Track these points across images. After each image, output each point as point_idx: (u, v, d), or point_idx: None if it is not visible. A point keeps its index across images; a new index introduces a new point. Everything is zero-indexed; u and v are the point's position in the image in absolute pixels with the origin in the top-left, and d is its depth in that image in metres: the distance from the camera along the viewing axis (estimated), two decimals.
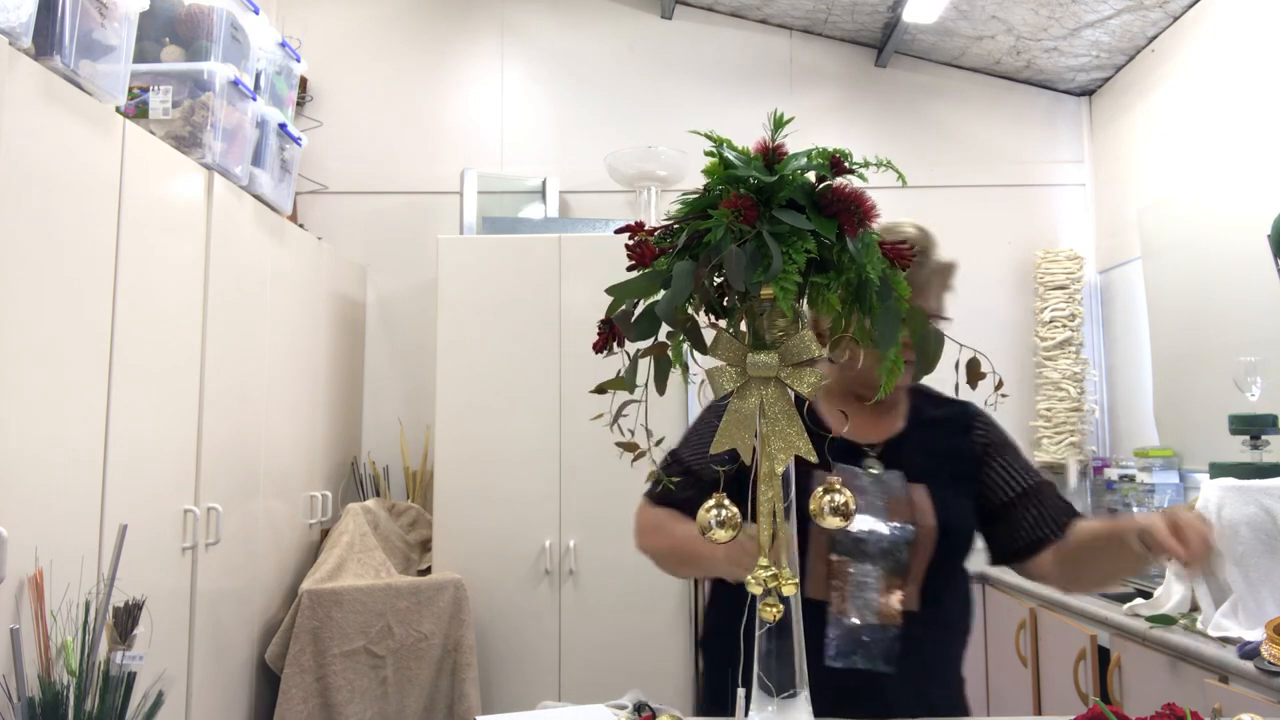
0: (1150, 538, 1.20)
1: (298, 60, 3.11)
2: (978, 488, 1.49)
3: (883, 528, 1.39)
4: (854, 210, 0.94)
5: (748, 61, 4.03)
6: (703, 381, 0.98)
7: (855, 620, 1.37)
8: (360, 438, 3.82)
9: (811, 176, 0.98)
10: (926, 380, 1.51)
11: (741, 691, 1.06)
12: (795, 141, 1.00)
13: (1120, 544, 1.26)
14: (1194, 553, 1.18)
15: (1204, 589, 2.11)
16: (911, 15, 3.49)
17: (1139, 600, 2.34)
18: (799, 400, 0.97)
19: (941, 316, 1.47)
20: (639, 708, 1.34)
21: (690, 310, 0.96)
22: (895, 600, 1.38)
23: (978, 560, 1.53)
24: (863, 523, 1.39)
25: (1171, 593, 2.27)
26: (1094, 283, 3.88)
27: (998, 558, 1.51)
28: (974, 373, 1.45)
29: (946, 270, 1.49)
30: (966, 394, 1.12)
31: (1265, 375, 2.51)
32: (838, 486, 0.98)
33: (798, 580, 0.98)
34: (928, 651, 1.39)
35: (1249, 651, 1.85)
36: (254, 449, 2.76)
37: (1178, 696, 1.95)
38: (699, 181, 1.02)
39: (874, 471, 1.44)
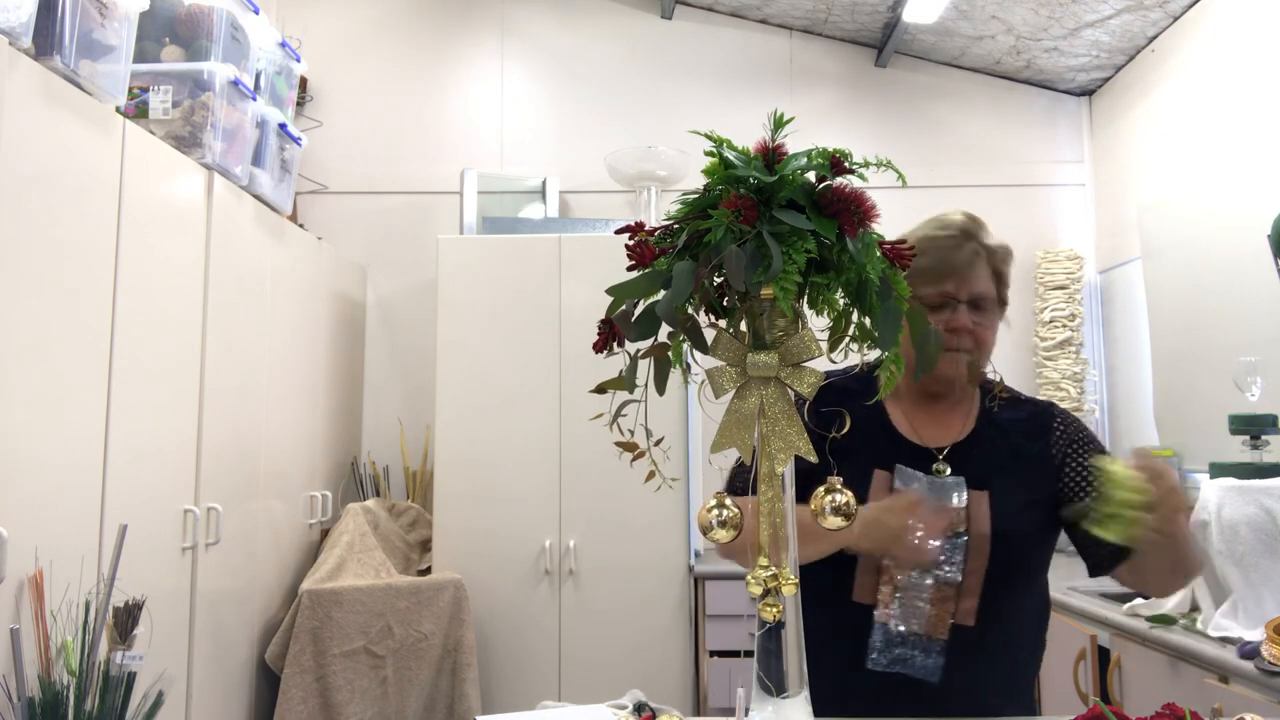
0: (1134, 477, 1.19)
1: (298, 60, 3.11)
2: (1058, 492, 1.42)
3: (936, 535, 1.35)
4: (854, 210, 0.93)
5: (748, 61, 4.03)
6: (703, 381, 0.97)
7: (901, 628, 1.34)
8: (360, 438, 3.82)
9: (812, 176, 0.98)
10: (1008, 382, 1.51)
11: (741, 691, 1.06)
12: (795, 141, 1.00)
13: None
14: (1163, 496, 1.17)
15: (1204, 589, 2.11)
16: (911, 15, 3.49)
17: (1139, 600, 2.33)
18: (799, 400, 0.97)
19: (998, 300, 1.43)
20: (639, 708, 1.34)
21: (690, 310, 0.96)
22: (946, 611, 1.34)
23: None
24: (914, 529, 1.35)
25: None
26: (1094, 283, 3.88)
27: (1092, 567, 1.42)
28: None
29: (996, 254, 1.44)
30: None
31: (1265, 375, 2.51)
32: (839, 486, 0.98)
33: (797, 580, 0.98)
34: (980, 669, 1.34)
35: (1249, 651, 1.85)
36: (254, 449, 2.76)
37: (1178, 696, 1.95)
38: (699, 181, 1.02)
39: (939, 476, 1.38)
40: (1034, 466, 1.43)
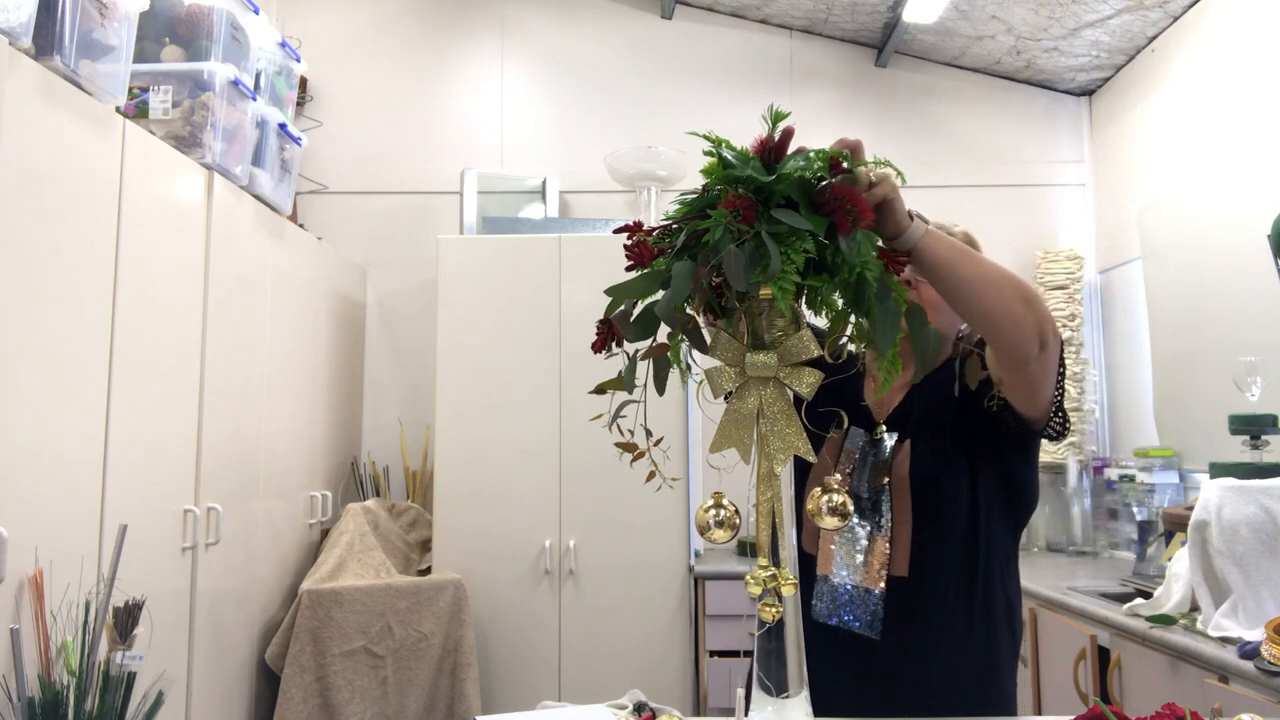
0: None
1: (298, 60, 3.11)
2: (970, 428, 1.41)
3: (864, 491, 1.42)
4: (848, 209, 0.94)
5: (748, 61, 4.03)
6: (702, 381, 0.98)
7: (840, 579, 1.40)
8: (360, 438, 3.82)
9: (811, 176, 0.98)
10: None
11: (741, 691, 1.06)
12: (795, 142, 1.00)
13: None
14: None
15: (1204, 589, 2.11)
16: (911, 15, 3.49)
17: (1139, 600, 2.34)
18: (797, 400, 0.97)
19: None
20: (639, 708, 1.34)
21: (689, 310, 0.96)
22: (880, 562, 1.38)
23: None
24: (855, 486, 1.43)
25: (1171, 593, 2.27)
26: (1094, 283, 3.88)
27: (1010, 416, 1.35)
28: (974, 372, 1.45)
29: None
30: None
31: (1265, 375, 2.51)
32: (835, 486, 0.98)
33: (796, 580, 0.98)
34: (919, 624, 1.37)
35: (1249, 651, 1.85)
36: (254, 449, 2.76)
37: (1178, 696, 1.96)
38: (698, 181, 1.02)
39: (875, 435, 1.45)
40: (940, 398, 1.46)
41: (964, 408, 1.43)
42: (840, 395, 1.43)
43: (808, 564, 1.41)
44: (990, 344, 1.29)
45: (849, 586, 1.39)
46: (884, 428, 1.46)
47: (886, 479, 1.41)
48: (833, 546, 1.41)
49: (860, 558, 1.39)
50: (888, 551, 1.38)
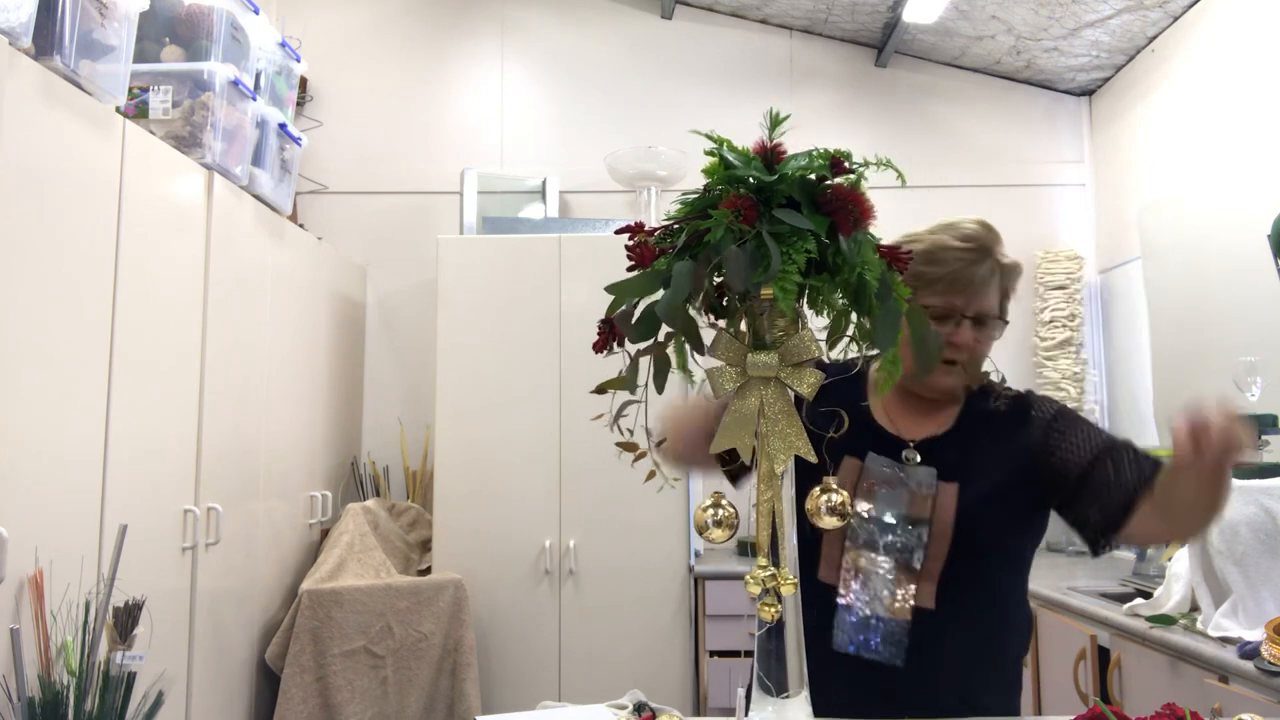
0: (1175, 447, 1.16)
1: (298, 60, 3.11)
2: (1047, 472, 1.40)
3: (896, 521, 1.38)
4: (850, 210, 0.94)
5: (748, 61, 4.03)
6: (702, 381, 0.98)
7: (865, 610, 1.36)
8: (360, 438, 3.82)
9: (813, 176, 0.98)
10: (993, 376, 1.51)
11: (741, 691, 1.06)
12: (795, 142, 1.00)
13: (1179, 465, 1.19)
14: (1212, 455, 1.15)
15: (1204, 589, 2.11)
16: (911, 15, 3.49)
17: (1139, 600, 2.34)
18: (798, 400, 0.97)
19: (1000, 318, 1.43)
20: (639, 708, 1.34)
21: (690, 310, 0.96)
22: (906, 595, 1.36)
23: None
24: (880, 514, 1.38)
25: (1171, 593, 2.27)
26: (1094, 283, 3.88)
27: (1098, 534, 1.37)
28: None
29: (1009, 273, 1.45)
30: None
31: (1265, 375, 2.51)
32: (834, 486, 0.98)
33: (796, 580, 0.98)
34: (942, 653, 1.35)
35: (1249, 651, 1.85)
36: (254, 449, 2.76)
37: (1178, 696, 1.95)
38: (699, 181, 1.02)
39: (909, 465, 1.41)
40: (1012, 458, 1.42)
41: (1033, 472, 1.41)
42: (852, 421, 1.41)
43: (827, 593, 1.38)
44: (1172, 532, 1.42)
45: (872, 617, 1.36)
46: (917, 455, 1.42)
47: (925, 516, 1.37)
48: (854, 579, 1.37)
49: (885, 590, 1.36)
50: (914, 586, 1.36)
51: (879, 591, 1.37)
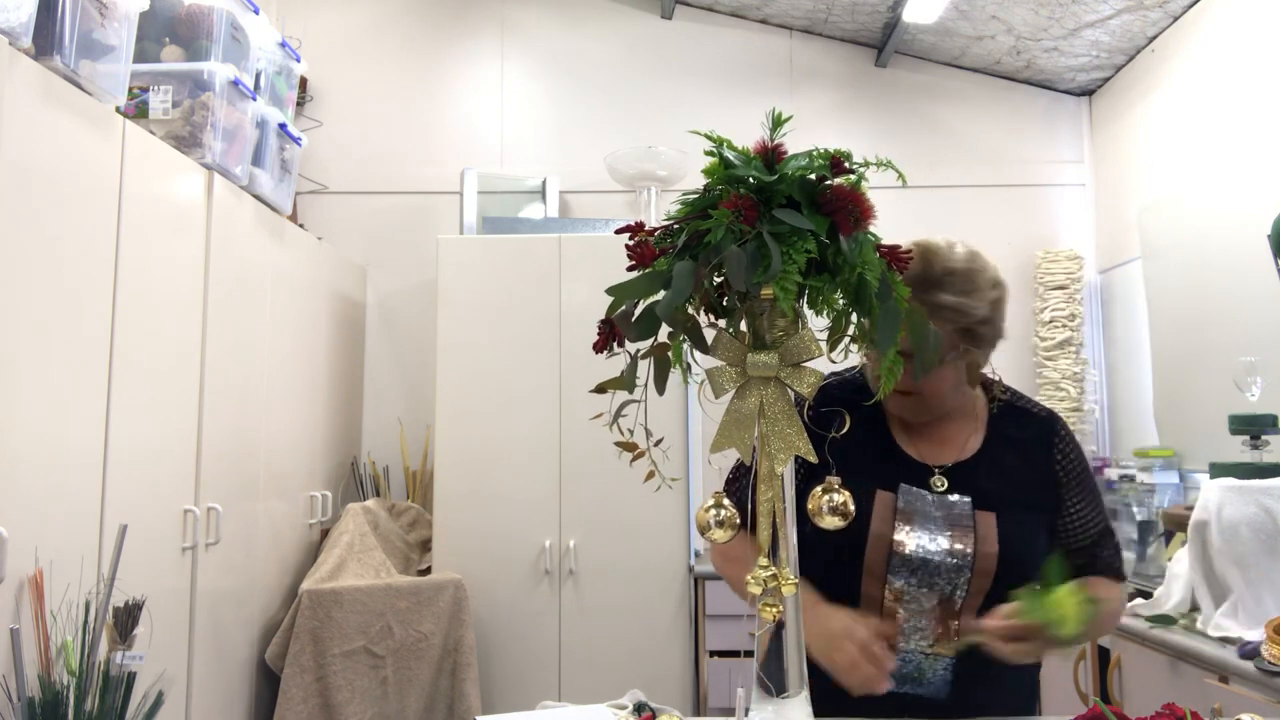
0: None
1: (298, 60, 3.11)
2: (1053, 519, 1.43)
3: (939, 555, 1.35)
4: (851, 210, 0.94)
5: (748, 61, 4.03)
6: (703, 381, 0.98)
7: (907, 644, 1.35)
8: (360, 438, 3.82)
9: (813, 176, 0.98)
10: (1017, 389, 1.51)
11: (741, 691, 1.06)
12: (795, 142, 1.00)
13: None
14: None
15: (1204, 589, 2.11)
16: (911, 15, 3.49)
17: (1139, 600, 2.33)
18: (798, 400, 0.97)
19: (978, 337, 1.39)
20: (639, 708, 1.34)
21: (690, 310, 0.96)
22: (950, 628, 1.34)
23: None
24: (920, 548, 1.35)
25: (1171, 593, 2.27)
26: (1094, 283, 3.88)
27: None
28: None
29: (971, 315, 1.36)
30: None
31: (1265, 375, 2.51)
32: (836, 486, 0.98)
33: (796, 580, 0.98)
34: (989, 686, 1.34)
35: (1249, 651, 1.85)
36: (254, 449, 2.76)
37: (1178, 696, 1.95)
38: (699, 181, 1.02)
39: (940, 494, 1.39)
40: (1039, 485, 1.44)
41: (1052, 504, 1.44)
42: (870, 446, 1.41)
43: None
44: None
45: (916, 653, 1.35)
46: (944, 481, 1.40)
47: (968, 549, 1.35)
48: (902, 614, 1.35)
49: (929, 623, 1.35)
50: (958, 622, 1.34)
51: (922, 627, 1.35)
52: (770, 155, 0.97)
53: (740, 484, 1.42)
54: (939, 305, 1.33)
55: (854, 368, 1.49)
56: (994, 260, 1.42)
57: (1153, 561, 2.77)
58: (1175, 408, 3.20)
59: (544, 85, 4.04)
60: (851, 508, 0.98)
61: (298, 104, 3.72)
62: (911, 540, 1.36)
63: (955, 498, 1.38)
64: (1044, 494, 1.43)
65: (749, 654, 1.04)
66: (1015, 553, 1.36)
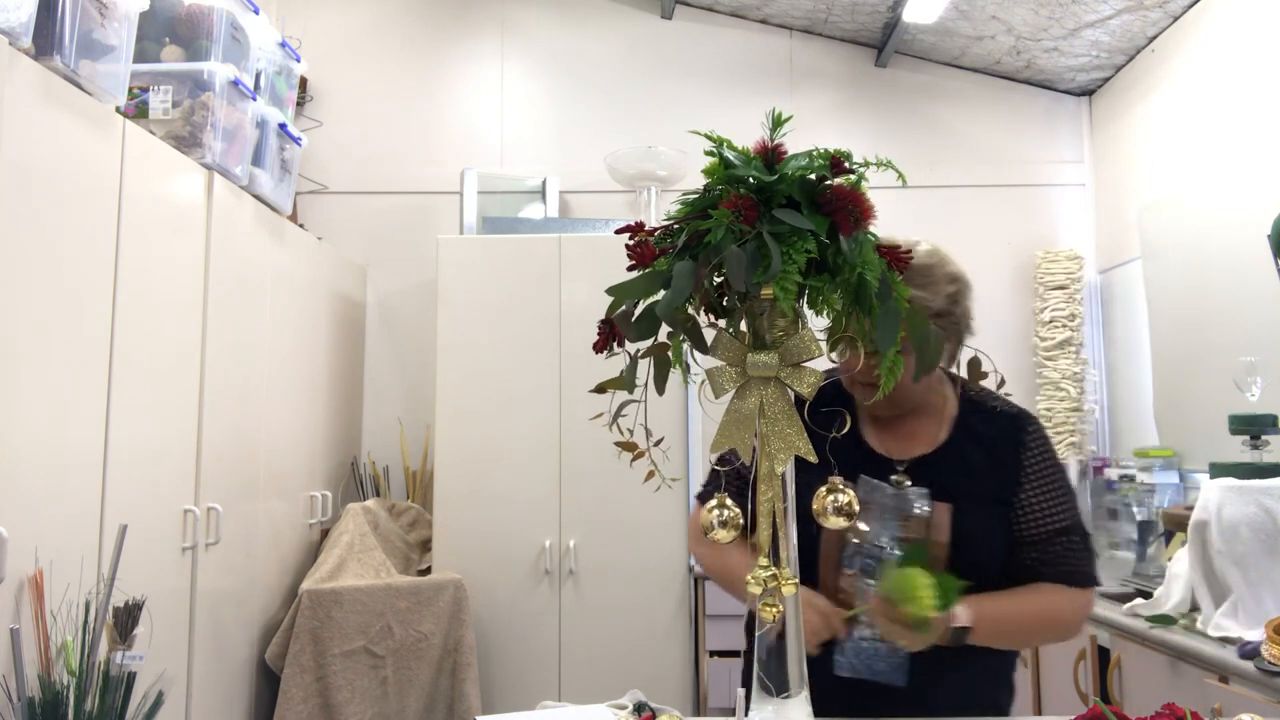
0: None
1: (298, 60, 3.11)
2: (1011, 511, 1.44)
3: (890, 544, 1.37)
4: (851, 210, 0.94)
5: (748, 61, 4.03)
6: (703, 381, 0.98)
7: (865, 632, 1.36)
8: (360, 438, 3.82)
9: (813, 176, 0.98)
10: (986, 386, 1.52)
11: (741, 691, 1.06)
12: (795, 142, 1.00)
13: None
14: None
15: (1204, 589, 2.11)
16: (911, 15, 3.49)
17: (1139, 600, 2.34)
18: (799, 401, 0.97)
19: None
20: (639, 708, 1.34)
21: (690, 310, 0.96)
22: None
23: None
24: (874, 538, 1.37)
25: (1171, 593, 2.27)
26: (1094, 283, 3.88)
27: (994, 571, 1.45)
28: (975, 372, 1.45)
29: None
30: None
31: (1265, 375, 2.51)
32: (840, 486, 0.98)
33: (796, 580, 0.98)
34: (942, 668, 1.35)
35: (1249, 651, 1.85)
36: (254, 449, 2.76)
37: (1178, 696, 1.95)
38: (699, 181, 1.02)
39: (899, 486, 1.40)
40: (1002, 476, 1.44)
41: (1013, 497, 1.44)
42: (840, 441, 1.42)
43: None
44: None
45: (875, 641, 1.35)
46: (908, 480, 1.41)
47: (921, 538, 1.36)
48: (858, 602, 1.37)
49: None
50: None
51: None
52: (770, 155, 0.97)
53: (708, 492, 1.47)
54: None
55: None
56: (963, 260, 1.46)
57: (1153, 561, 2.77)
58: (1175, 408, 3.20)
59: (544, 85, 4.04)
60: (856, 507, 0.98)
61: (298, 104, 3.72)
62: (866, 530, 1.38)
63: (912, 489, 1.40)
64: (1006, 489, 1.44)
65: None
66: (970, 541, 1.38)
